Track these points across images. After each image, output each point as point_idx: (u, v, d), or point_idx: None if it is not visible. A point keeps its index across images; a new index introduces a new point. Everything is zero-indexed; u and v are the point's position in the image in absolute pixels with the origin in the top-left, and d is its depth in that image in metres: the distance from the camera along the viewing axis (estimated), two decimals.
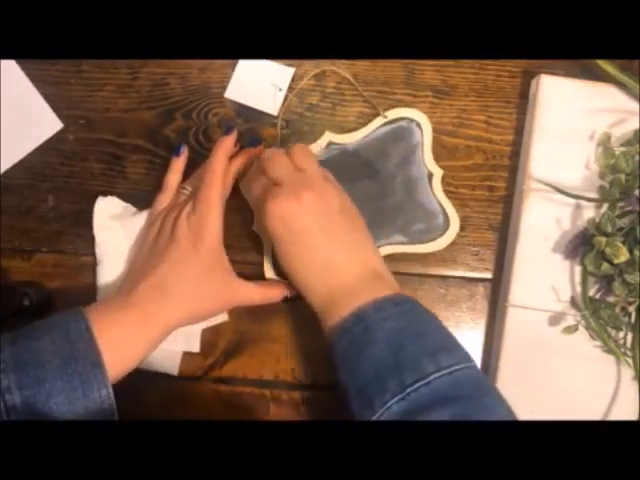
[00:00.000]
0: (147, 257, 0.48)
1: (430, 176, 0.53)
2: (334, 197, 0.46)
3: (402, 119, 0.53)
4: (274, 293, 0.50)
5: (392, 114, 0.53)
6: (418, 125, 0.53)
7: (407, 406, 0.39)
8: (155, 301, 0.45)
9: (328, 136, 0.53)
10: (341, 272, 0.45)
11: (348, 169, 0.53)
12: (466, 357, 0.42)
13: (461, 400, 0.39)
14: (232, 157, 0.51)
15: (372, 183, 0.53)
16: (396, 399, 0.39)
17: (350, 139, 0.53)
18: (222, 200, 0.48)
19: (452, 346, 0.43)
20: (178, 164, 0.52)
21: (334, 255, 0.45)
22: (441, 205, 0.53)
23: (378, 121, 0.53)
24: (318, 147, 0.53)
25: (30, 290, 0.51)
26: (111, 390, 0.40)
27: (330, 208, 0.45)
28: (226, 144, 0.49)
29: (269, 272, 0.53)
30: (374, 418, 0.39)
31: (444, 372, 0.40)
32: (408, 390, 0.39)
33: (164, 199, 0.51)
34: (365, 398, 0.41)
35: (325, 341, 0.45)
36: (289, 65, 0.54)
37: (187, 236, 0.46)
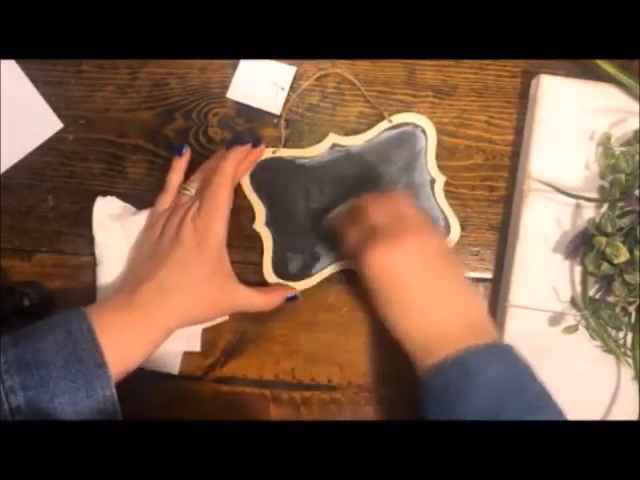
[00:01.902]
0: (149, 258, 0.48)
1: (432, 182, 0.53)
2: (435, 242, 0.45)
3: (407, 124, 0.53)
4: (275, 298, 0.50)
5: (397, 119, 0.53)
6: (423, 131, 0.53)
7: None
8: (157, 303, 0.45)
9: (332, 137, 0.53)
10: (441, 321, 0.43)
11: (351, 172, 0.53)
12: (561, 414, 0.41)
13: None
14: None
15: (374, 187, 0.53)
16: None
17: (354, 142, 0.53)
18: (229, 204, 0.48)
19: (549, 402, 0.41)
20: (180, 164, 0.52)
21: (434, 303, 0.44)
22: (442, 211, 0.53)
23: (382, 125, 0.53)
24: (322, 148, 0.53)
25: (30, 290, 0.51)
26: (114, 390, 0.40)
27: (431, 253, 0.44)
28: (240, 152, 0.49)
29: (270, 276, 0.53)
30: None
31: None
32: None
33: (166, 199, 0.51)
34: None
35: (418, 382, 0.44)
36: (290, 64, 0.54)
37: (192, 237, 0.46)
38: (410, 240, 0.44)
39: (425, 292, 0.44)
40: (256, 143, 0.51)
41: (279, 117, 0.54)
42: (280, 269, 0.53)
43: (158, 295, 0.45)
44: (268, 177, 0.53)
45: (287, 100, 0.54)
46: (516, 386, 0.41)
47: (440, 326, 0.43)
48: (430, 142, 0.53)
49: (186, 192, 0.50)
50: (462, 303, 0.45)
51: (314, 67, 0.54)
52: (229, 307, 0.49)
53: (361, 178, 0.53)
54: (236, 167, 0.49)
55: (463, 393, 0.41)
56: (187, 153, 0.52)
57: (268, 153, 0.53)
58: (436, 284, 0.44)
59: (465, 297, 0.45)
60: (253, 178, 0.53)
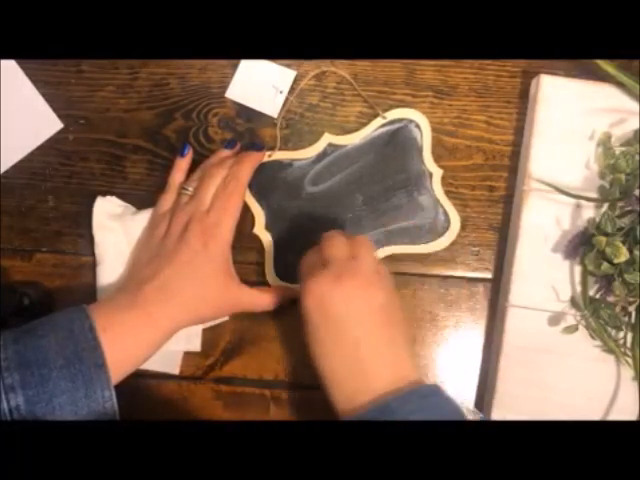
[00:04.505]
0: (153, 257, 0.48)
1: (430, 176, 0.53)
2: (379, 292, 0.43)
3: (401, 120, 0.53)
4: (278, 298, 0.51)
5: (391, 115, 0.53)
6: (417, 126, 0.53)
7: None
8: (161, 302, 0.45)
9: (327, 137, 0.53)
10: (369, 374, 0.42)
11: (348, 170, 0.53)
12: None
13: None
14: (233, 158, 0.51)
15: (372, 184, 0.53)
16: None
17: (349, 140, 0.53)
18: (240, 209, 0.49)
19: None
20: (183, 164, 0.52)
21: (364, 353, 0.42)
22: (441, 205, 0.53)
23: (377, 122, 0.53)
24: (317, 148, 0.53)
25: (30, 290, 0.51)
26: (113, 392, 0.41)
27: (371, 302, 0.43)
28: (256, 158, 0.51)
29: (272, 279, 0.53)
30: None
31: None
32: None
33: (168, 199, 0.51)
34: None
35: None
36: (291, 68, 0.54)
37: (198, 237, 0.47)
38: (351, 283, 0.42)
39: (354, 339, 0.42)
40: (256, 148, 0.52)
41: (276, 120, 0.54)
42: (282, 271, 0.53)
43: (162, 295, 0.45)
44: (265, 181, 0.53)
45: (285, 104, 0.54)
46: None
47: (366, 379, 0.42)
48: (425, 136, 0.53)
49: (185, 192, 0.50)
50: (393, 358, 0.43)
51: (314, 67, 0.54)
52: (233, 307, 0.49)
53: (359, 176, 0.53)
54: (252, 172, 0.50)
55: None
56: (190, 153, 0.52)
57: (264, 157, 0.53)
58: (368, 333, 0.42)
59: (397, 352, 0.43)
60: (251, 183, 0.53)
